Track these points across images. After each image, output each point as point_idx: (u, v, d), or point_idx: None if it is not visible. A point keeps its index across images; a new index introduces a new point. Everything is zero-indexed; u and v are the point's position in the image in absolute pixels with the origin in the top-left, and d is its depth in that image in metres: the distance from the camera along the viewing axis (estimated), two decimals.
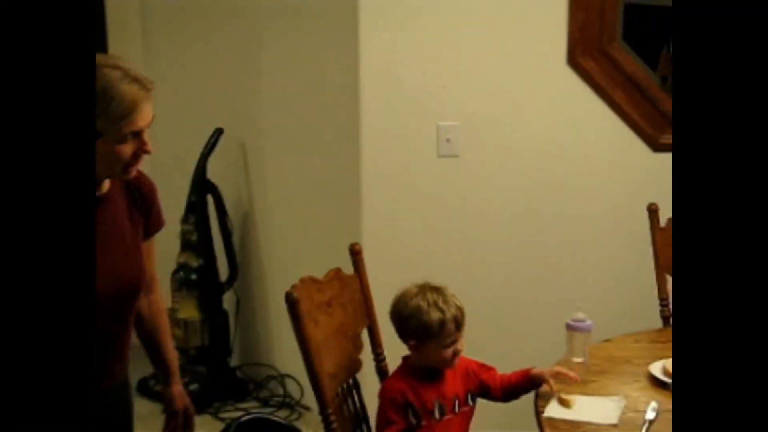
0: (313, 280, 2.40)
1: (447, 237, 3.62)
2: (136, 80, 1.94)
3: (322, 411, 2.28)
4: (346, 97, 3.57)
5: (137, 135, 1.96)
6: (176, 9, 4.47)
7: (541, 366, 2.44)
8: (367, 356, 2.59)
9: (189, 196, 4.15)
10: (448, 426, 2.36)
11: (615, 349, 2.67)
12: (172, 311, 4.19)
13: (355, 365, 2.52)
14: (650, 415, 2.19)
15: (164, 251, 4.42)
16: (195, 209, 4.15)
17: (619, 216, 3.62)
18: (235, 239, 4.31)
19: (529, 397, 2.40)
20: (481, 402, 2.46)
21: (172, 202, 4.27)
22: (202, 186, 4.15)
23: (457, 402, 2.39)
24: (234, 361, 4.35)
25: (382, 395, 2.37)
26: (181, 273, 4.17)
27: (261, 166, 4.25)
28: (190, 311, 4.15)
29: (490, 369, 2.48)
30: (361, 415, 2.55)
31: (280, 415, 3.94)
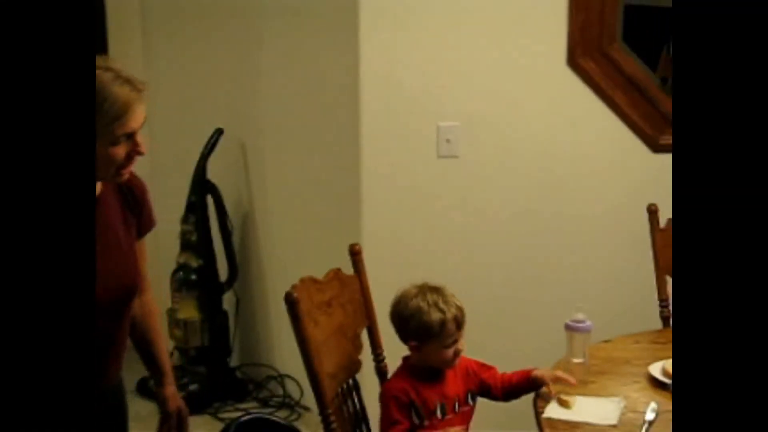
0: (313, 281, 2.40)
1: (447, 237, 3.62)
2: (128, 81, 1.92)
3: (322, 411, 2.28)
4: (346, 97, 3.57)
5: (130, 136, 1.94)
6: (176, 9, 4.47)
7: (541, 366, 2.44)
8: (366, 357, 2.59)
9: (189, 197, 4.15)
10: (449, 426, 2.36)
11: (615, 350, 2.67)
12: (172, 311, 4.20)
13: (355, 366, 2.52)
14: (650, 415, 2.18)
15: (164, 251, 4.44)
16: (195, 209, 4.15)
17: (619, 217, 3.62)
18: (235, 239, 4.31)
19: (529, 397, 2.40)
20: (481, 402, 2.46)
21: (172, 202, 4.28)
22: (202, 186, 4.15)
23: (457, 402, 2.39)
24: (234, 361, 4.35)
25: (385, 395, 2.37)
26: (181, 273, 4.17)
27: (261, 167, 4.25)
28: (189, 311, 4.15)
29: (490, 368, 2.48)
30: (361, 415, 2.55)
31: (280, 416, 3.94)
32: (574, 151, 3.62)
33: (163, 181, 4.65)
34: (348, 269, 2.61)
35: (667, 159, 3.56)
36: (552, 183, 3.63)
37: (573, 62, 3.54)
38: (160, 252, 4.60)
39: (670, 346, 2.66)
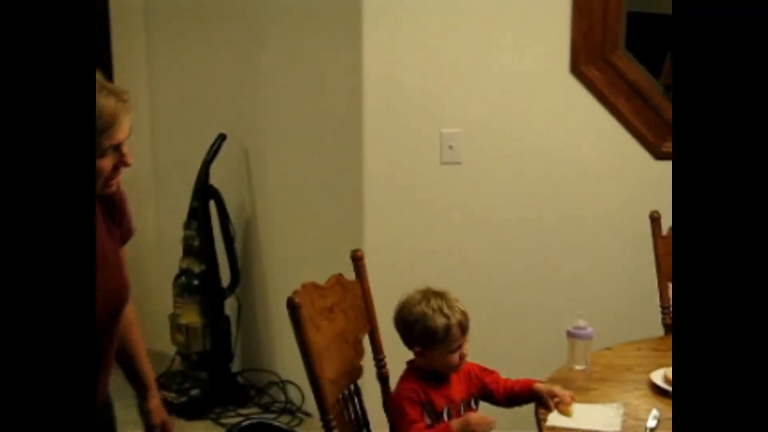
0: (314, 286, 2.40)
1: (449, 243, 3.62)
2: (113, 93, 1.90)
3: (323, 417, 2.28)
4: (349, 103, 3.57)
5: (117, 148, 1.92)
6: (179, 13, 4.48)
7: (542, 372, 2.45)
8: (368, 362, 2.59)
9: (191, 202, 4.16)
10: None
11: (616, 357, 2.67)
12: (174, 316, 4.20)
13: (357, 371, 2.52)
14: (651, 423, 2.19)
15: (166, 256, 4.45)
16: (197, 215, 4.15)
17: (621, 224, 3.62)
18: (237, 245, 4.31)
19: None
20: (482, 406, 2.46)
21: (175, 208, 4.29)
22: (204, 191, 4.15)
23: (462, 405, 2.39)
24: (235, 366, 4.35)
25: (397, 399, 2.36)
26: (183, 278, 4.17)
27: (263, 172, 4.25)
28: (191, 316, 4.15)
29: (492, 372, 2.49)
30: (363, 421, 2.55)
31: (282, 421, 3.94)
32: (577, 158, 3.62)
33: (166, 186, 4.67)
34: (350, 275, 2.61)
35: (669, 166, 3.53)
36: (554, 190, 3.63)
37: (576, 69, 3.54)
38: (163, 257, 4.61)
39: (671, 353, 2.66)
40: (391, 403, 2.41)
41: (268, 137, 4.18)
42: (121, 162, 1.95)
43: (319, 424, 2.31)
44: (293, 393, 4.12)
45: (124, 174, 4.90)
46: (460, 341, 2.33)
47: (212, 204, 4.18)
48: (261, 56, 4.13)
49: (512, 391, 2.43)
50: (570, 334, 2.49)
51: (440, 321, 2.30)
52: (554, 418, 2.25)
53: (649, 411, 2.24)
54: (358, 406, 2.53)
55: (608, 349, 2.72)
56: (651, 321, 3.08)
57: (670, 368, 2.43)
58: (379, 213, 3.58)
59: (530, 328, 3.65)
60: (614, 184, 3.65)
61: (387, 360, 2.64)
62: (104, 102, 1.85)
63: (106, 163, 1.89)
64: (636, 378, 2.49)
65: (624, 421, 2.21)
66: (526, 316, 3.67)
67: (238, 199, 4.38)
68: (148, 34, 4.62)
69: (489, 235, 3.64)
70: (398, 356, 2.53)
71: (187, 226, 4.17)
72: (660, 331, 3.04)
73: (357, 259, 2.63)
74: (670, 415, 2.13)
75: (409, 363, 2.42)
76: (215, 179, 4.16)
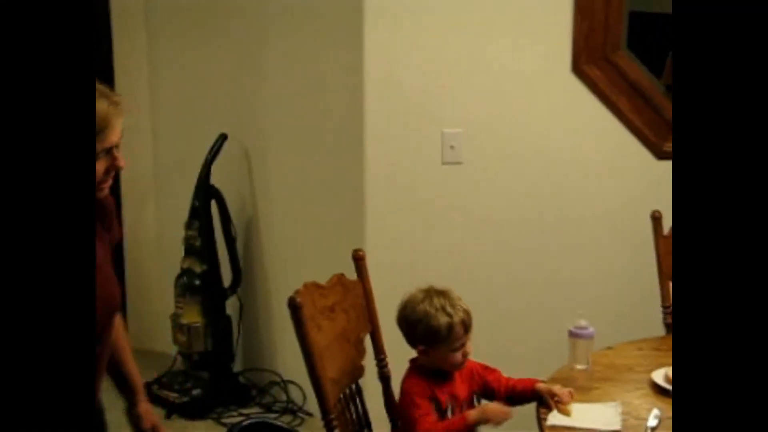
0: (316, 286, 2.40)
1: (450, 243, 3.63)
2: (104, 95, 1.87)
3: (325, 416, 2.28)
4: (350, 104, 3.58)
5: (109, 151, 1.89)
6: (180, 15, 4.49)
7: (543, 372, 2.45)
8: (369, 362, 2.59)
9: (193, 202, 4.16)
10: None
11: (617, 357, 2.67)
12: (176, 316, 4.20)
13: (358, 371, 2.52)
14: (652, 422, 2.19)
15: (168, 256, 4.45)
16: (199, 215, 4.15)
17: (623, 223, 3.63)
18: (239, 245, 4.32)
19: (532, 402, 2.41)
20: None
21: (176, 208, 4.30)
22: (205, 191, 4.15)
23: (465, 402, 2.40)
24: (237, 366, 4.36)
25: (406, 394, 2.37)
26: (185, 278, 4.17)
27: (265, 172, 4.26)
28: (193, 316, 4.16)
29: (493, 371, 2.50)
30: (364, 421, 2.55)
31: (283, 421, 3.94)
32: (578, 158, 3.63)
33: (167, 186, 4.67)
34: (351, 274, 2.61)
35: (670, 166, 3.55)
36: (556, 189, 3.63)
37: (577, 69, 3.54)
38: (164, 257, 4.62)
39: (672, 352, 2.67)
40: (400, 399, 2.41)
41: (269, 137, 4.19)
42: (112, 165, 1.91)
43: (321, 423, 2.32)
44: (295, 393, 4.13)
45: (126, 174, 4.92)
46: (462, 340, 2.34)
47: (213, 204, 4.19)
48: (262, 56, 4.14)
49: (514, 390, 2.43)
50: (571, 334, 2.50)
51: (443, 320, 2.31)
52: (553, 418, 2.26)
53: (650, 410, 2.25)
54: (359, 406, 2.54)
55: (609, 348, 2.72)
56: (652, 320, 3.08)
57: (671, 368, 2.44)
58: (381, 213, 3.59)
59: (531, 327, 3.65)
60: (616, 184, 3.66)
61: (388, 360, 2.65)
62: (97, 105, 1.83)
63: (98, 166, 1.87)
64: (637, 377, 2.50)
65: (625, 421, 2.21)
66: (527, 315, 3.67)
67: (240, 198, 4.38)
68: (149, 34, 4.63)
69: (490, 234, 3.64)
70: (399, 356, 2.54)
71: (188, 226, 4.17)
72: (661, 330, 3.05)
73: (358, 259, 2.63)
74: (671, 414, 2.13)
75: (413, 361, 2.42)
76: (216, 179, 4.17)
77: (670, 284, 3.09)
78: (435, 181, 3.58)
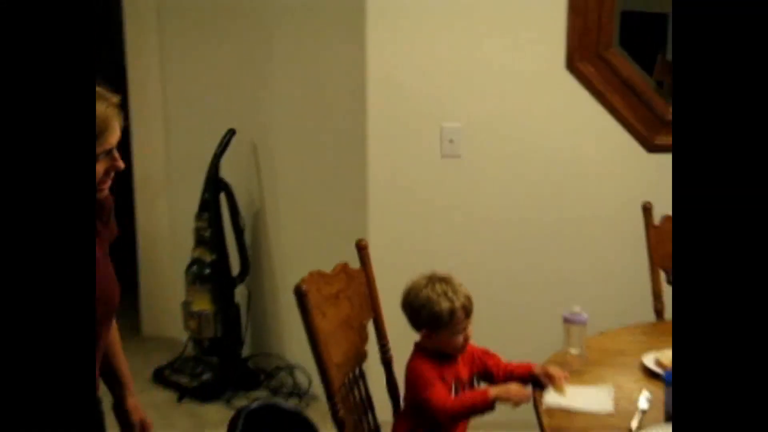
0: (321, 274, 2.40)
1: (449, 233, 3.63)
2: (103, 98, 1.82)
3: (329, 399, 2.28)
4: (353, 99, 3.58)
5: (109, 153, 1.85)
6: (190, 15, 4.48)
7: (539, 356, 2.46)
8: (372, 347, 2.60)
9: (203, 194, 4.16)
10: None
11: (610, 342, 2.67)
12: (187, 304, 4.21)
13: (361, 356, 2.53)
14: (643, 404, 2.19)
15: (179, 246, 4.46)
16: (208, 207, 4.16)
17: (615, 214, 3.62)
18: (247, 235, 4.32)
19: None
20: None
21: (187, 200, 4.30)
22: (215, 184, 4.16)
23: (467, 384, 2.42)
24: (245, 351, 4.36)
25: (416, 373, 2.37)
26: (195, 267, 4.18)
27: (271, 166, 4.26)
28: (203, 304, 4.16)
29: (493, 356, 2.51)
30: (367, 404, 2.56)
31: (290, 404, 3.95)
32: (572, 151, 3.62)
33: (178, 180, 4.67)
34: (355, 263, 2.62)
35: (661, 159, 3.58)
36: (550, 181, 3.63)
37: (572, 66, 3.54)
38: (176, 247, 4.62)
39: (662, 337, 2.67)
40: (408, 381, 2.40)
41: (275, 132, 4.19)
42: (112, 166, 1.88)
43: (326, 406, 2.32)
44: (301, 377, 4.13)
45: (140, 168, 4.92)
46: (464, 324, 2.35)
47: (222, 196, 4.19)
48: (267, 55, 4.14)
49: (512, 374, 2.44)
50: (565, 320, 2.50)
51: (445, 305, 2.32)
52: (549, 396, 2.26)
53: (640, 393, 2.25)
54: (362, 389, 2.54)
55: (602, 333, 2.72)
56: (643, 307, 3.08)
57: (661, 352, 2.45)
58: (382, 204, 3.59)
59: (528, 313, 3.66)
60: (608, 176, 3.65)
61: (390, 345, 2.65)
62: (96, 108, 1.79)
63: (98, 168, 1.84)
64: (628, 361, 2.49)
65: (617, 403, 2.22)
66: (523, 301, 3.67)
67: (248, 191, 4.38)
68: (161, 34, 4.62)
69: (487, 225, 3.65)
70: (401, 341, 2.54)
71: (198, 217, 4.18)
72: (652, 316, 3.05)
73: (361, 248, 2.64)
74: (661, 396, 2.14)
75: (417, 344, 2.44)
76: (225, 173, 4.17)
77: (661, 272, 3.10)
78: (434, 174, 3.59)
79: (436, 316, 2.33)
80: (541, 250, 3.68)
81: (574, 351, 2.50)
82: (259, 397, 4.06)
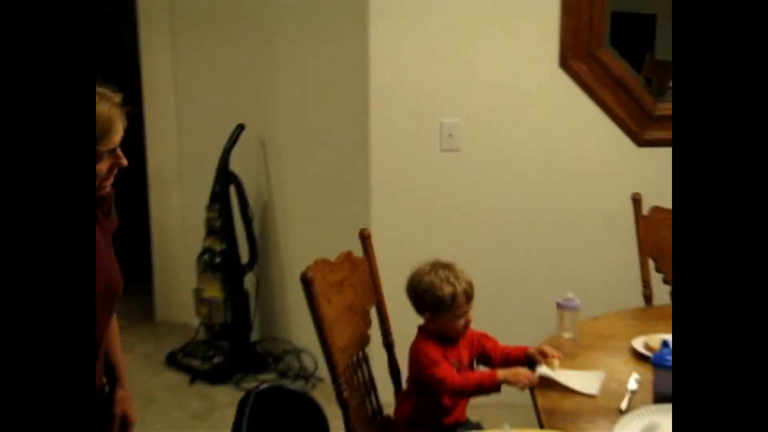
0: (326, 262, 2.40)
1: (449, 224, 3.63)
2: (105, 97, 1.79)
3: (334, 381, 2.29)
4: (356, 96, 3.57)
5: (113, 151, 1.82)
6: (202, 15, 4.47)
7: (534, 340, 2.45)
8: (375, 332, 2.59)
9: (213, 186, 4.16)
10: None
11: (601, 326, 2.67)
12: (198, 291, 4.21)
13: (365, 340, 2.53)
14: (632, 385, 2.19)
15: (191, 236, 4.45)
16: (219, 198, 4.15)
17: (606, 204, 3.62)
18: (255, 226, 4.32)
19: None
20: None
21: (198, 192, 4.30)
22: (225, 177, 4.15)
23: (466, 366, 2.42)
24: (254, 336, 4.36)
25: (418, 351, 2.38)
26: (206, 256, 4.18)
27: (279, 160, 4.25)
28: (214, 291, 4.16)
29: (491, 339, 2.51)
30: (370, 385, 2.56)
31: (297, 386, 3.95)
32: (566, 146, 3.62)
33: (191, 173, 4.67)
34: (358, 252, 2.61)
35: (650, 153, 3.57)
36: (545, 174, 3.63)
37: (565, 64, 3.53)
38: (187, 237, 4.62)
39: (651, 322, 2.67)
40: (414, 362, 2.40)
41: (282, 127, 4.18)
42: (115, 164, 1.85)
43: (331, 388, 2.32)
44: (307, 360, 4.13)
45: (154, 162, 4.91)
46: (465, 308, 2.36)
47: (232, 189, 4.18)
48: (274, 53, 4.13)
49: (509, 356, 2.44)
50: (559, 306, 2.50)
51: (447, 290, 2.33)
52: (541, 368, 2.26)
53: (630, 374, 2.25)
54: (366, 372, 2.54)
55: (594, 318, 2.72)
56: (633, 294, 3.07)
57: (650, 336, 2.45)
58: (385, 196, 3.59)
59: (523, 299, 3.66)
60: (599, 169, 3.65)
61: (392, 329, 2.65)
62: (98, 108, 1.76)
63: (101, 166, 1.82)
64: (619, 345, 2.49)
65: (607, 384, 2.21)
66: (519, 288, 3.67)
67: (256, 184, 4.38)
68: (173, 33, 4.61)
69: (485, 215, 3.64)
70: (402, 326, 2.54)
71: (209, 208, 4.17)
72: (641, 302, 3.05)
73: (365, 238, 2.63)
74: (649, 378, 2.13)
75: (420, 327, 2.44)
76: (235, 166, 4.16)
77: (650, 260, 3.09)
78: (434, 167, 3.58)
79: (439, 300, 2.33)
80: (536, 239, 3.67)
81: (567, 335, 2.50)
82: (267, 379, 4.06)
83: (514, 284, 3.67)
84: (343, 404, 2.30)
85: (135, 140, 4.70)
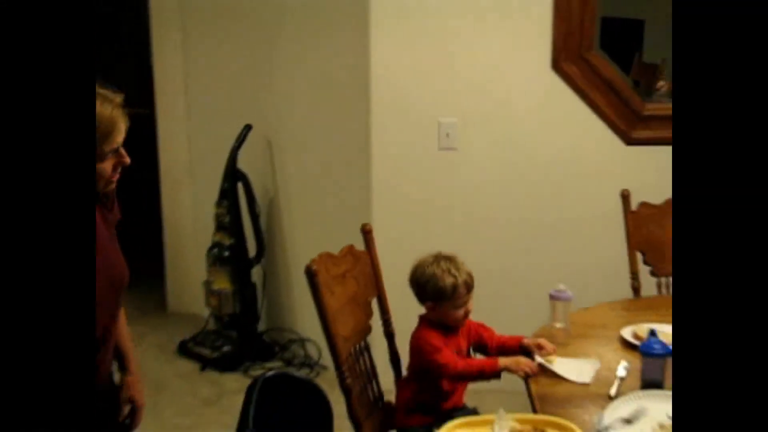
0: (329, 256, 2.40)
1: (446, 219, 3.63)
2: (107, 99, 1.76)
3: (338, 369, 2.28)
4: (358, 98, 3.57)
5: (116, 150, 1.81)
6: (211, 20, 4.47)
7: (527, 330, 2.45)
8: (376, 322, 2.60)
9: (222, 184, 4.16)
10: None
11: (592, 316, 2.67)
12: (208, 283, 4.21)
13: (366, 329, 2.53)
14: (621, 372, 2.19)
15: (201, 231, 4.46)
16: (227, 195, 4.16)
17: (596, 200, 3.62)
18: (262, 221, 4.32)
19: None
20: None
21: (208, 189, 4.30)
22: (233, 175, 4.15)
23: (465, 354, 2.43)
24: (261, 326, 4.37)
25: (424, 341, 2.37)
26: (216, 250, 4.18)
27: (284, 158, 4.26)
28: (223, 283, 4.17)
29: (487, 329, 2.51)
30: (372, 373, 2.56)
31: (302, 373, 3.95)
32: (558, 144, 3.62)
33: (200, 171, 4.67)
34: (360, 246, 2.61)
35: (638, 151, 3.58)
36: (537, 171, 3.63)
37: (557, 66, 3.53)
38: (198, 232, 4.62)
39: (639, 312, 2.67)
40: (416, 349, 2.40)
41: (287, 128, 4.18)
42: (119, 163, 1.83)
43: (334, 375, 2.32)
44: (311, 349, 4.14)
45: (165, 161, 4.91)
46: (465, 298, 2.37)
47: (240, 186, 4.19)
48: (279, 57, 4.13)
49: (504, 345, 2.44)
50: (552, 297, 2.50)
51: (448, 280, 2.33)
52: (537, 358, 2.26)
53: (619, 362, 2.25)
54: (367, 360, 2.54)
55: (585, 309, 2.72)
56: (622, 285, 3.07)
57: (638, 325, 2.45)
58: (385, 192, 3.59)
59: (518, 291, 3.65)
60: (590, 167, 3.65)
61: (393, 319, 2.65)
62: (101, 109, 1.74)
63: (106, 166, 1.80)
64: (609, 334, 2.49)
65: (598, 371, 2.21)
66: (514, 280, 3.67)
67: (263, 181, 4.38)
68: (184, 35, 4.61)
69: (481, 211, 3.64)
70: (402, 316, 2.54)
71: (218, 205, 4.18)
72: (629, 293, 3.04)
73: (366, 232, 2.63)
74: (638, 365, 2.13)
75: (422, 317, 2.44)
76: (242, 164, 4.16)
77: (638, 254, 3.09)
78: (432, 165, 3.58)
79: (440, 290, 2.34)
80: (529, 233, 3.67)
81: (559, 325, 2.50)
82: (273, 367, 4.07)
83: (508, 276, 3.67)
84: (346, 391, 2.30)
85: (147, 140, 4.71)
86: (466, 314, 2.39)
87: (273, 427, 2.01)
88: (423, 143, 3.56)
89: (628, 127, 3.60)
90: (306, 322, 4.15)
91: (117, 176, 1.86)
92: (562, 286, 2.50)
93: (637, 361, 2.17)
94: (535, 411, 2.03)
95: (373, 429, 2.44)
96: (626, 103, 3.58)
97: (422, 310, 2.44)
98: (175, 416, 3.60)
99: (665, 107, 3.61)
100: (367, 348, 2.55)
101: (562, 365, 2.24)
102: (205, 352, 4.19)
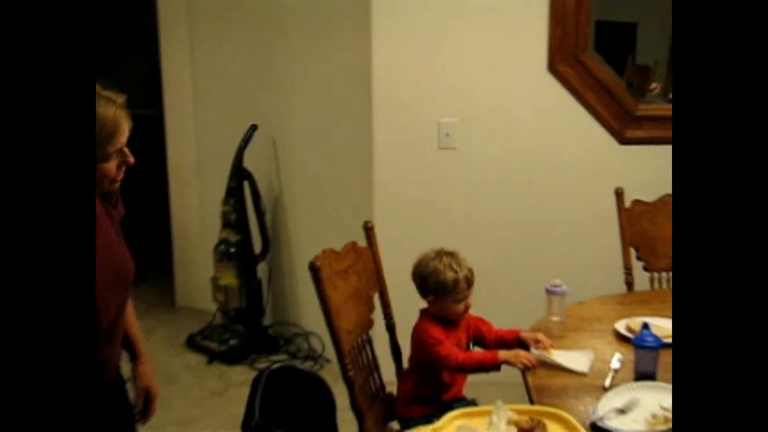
0: (332, 252, 2.40)
1: (446, 216, 3.63)
2: (109, 100, 1.73)
3: (340, 361, 2.28)
4: (360, 99, 3.57)
5: (120, 151, 1.78)
6: (218, 21, 4.47)
7: (524, 323, 2.45)
8: (377, 316, 2.60)
9: (228, 182, 4.16)
10: None
11: (586, 310, 2.67)
12: (215, 279, 4.21)
13: (368, 323, 2.53)
14: (615, 364, 2.19)
15: (208, 228, 4.46)
16: (234, 193, 4.15)
17: (590, 197, 3.62)
18: (267, 218, 4.32)
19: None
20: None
21: (215, 187, 4.30)
22: (239, 174, 4.15)
23: (464, 347, 2.43)
24: (267, 320, 4.37)
25: (425, 333, 2.37)
26: (222, 246, 4.18)
27: (289, 157, 4.25)
28: (229, 279, 4.17)
29: (486, 323, 2.51)
30: (373, 365, 2.56)
31: (306, 366, 3.95)
32: (554, 144, 3.61)
33: (207, 169, 4.67)
34: (362, 242, 2.61)
35: (631, 150, 3.58)
36: (534, 169, 3.63)
37: (553, 68, 3.53)
38: (205, 229, 4.62)
39: (633, 306, 2.67)
40: (417, 342, 2.40)
41: (292, 128, 4.18)
42: (123, 162, 1.80)
43: (337, 367, 2.32)
44: (315, 342, 4.14)
45: (173, 160, 4.90)
46: (465, 293, 2.37)
47: (246, 184, 4.18)
48: (283, 58, 4.12)
49: (502, 339, 2.44)
50: (548, 291, 2.50)
51: (450, 275, 2.34)
52: (535, 351, 2.26)
53: (613, 354, 2.25)
54: (369, 353, 2.54)
55: (580, 303, 2.72)
56: (616, 280, 3.07)
57: (632, 319, 2.45)
58: (387, 190, 3.58)
59: (515, 286, 3.65)
60: (585, 165, 3.64)
61: (394, 314, 2.65)
62: (104, 111, 1.71)
63: (110, 166, 1.77)
64: (603, 327, 2.49)
65: (592, 363, 2.21)
66: (511, 275, 3.67)
67: (268, 180, 4.38)
68: (192, 40, 4.60)
69: (480, 209, 3.64)
70: (403, 311, 2.54)
71: (225, 202, 4.18)
72: (623, 288, 3.05)
73: (368, 229, 2.63)
74: (631, 358, 2.13)
75: (423, 310, 2.44)
76: (248, 163, 4.16)
77: (631, 250, 3.09)
78: (432, 163, 3.58)
79: (441, 285, 2.34)
80: (526, 228, 3.67)
81: (555, 318, 2.50)
82: (278, 360, 4.07)
83: (506, 271, 3.67)
84: (349, 382, 2.30)
85: (156, 140, 4.70)
86: (467, 308, 2.39)
87: (278, 417, 2.01)
88: (423, 143, 3.56)
89: (622, 126, 3.60)
90: (310, 316, 4.15)
91: (121, 175, 1.84)
92: (557, 281, 2.50)
93: (630, 353, 2.17)
94: (532, 402, 2.03)
95: (375, 420, 2.44)
96: (620, 104, 3.58)
97: (423, 304, 2.44)
98: (183, 407, 3.60)
99: (658, 108, 3.62)
100: (369, 341, 2.54)
101: (559, 356, 2.23)
102: (213, 345, 4.19)
